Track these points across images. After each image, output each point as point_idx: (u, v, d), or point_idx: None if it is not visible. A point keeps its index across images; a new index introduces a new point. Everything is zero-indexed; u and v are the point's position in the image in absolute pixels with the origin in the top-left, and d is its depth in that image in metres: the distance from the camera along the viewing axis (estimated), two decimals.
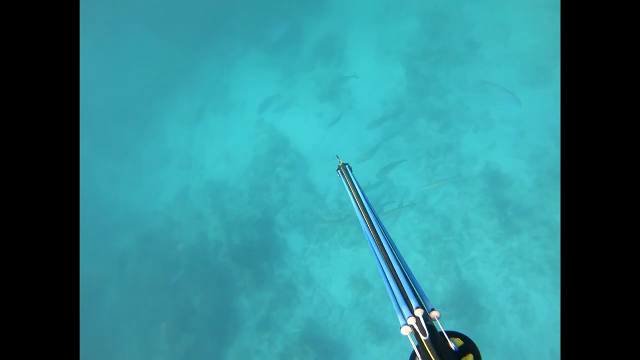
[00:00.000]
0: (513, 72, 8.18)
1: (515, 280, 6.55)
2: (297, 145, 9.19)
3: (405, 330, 0.94)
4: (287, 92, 10.26)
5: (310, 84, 10.19)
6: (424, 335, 0.91)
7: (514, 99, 6.96)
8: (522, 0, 8.84)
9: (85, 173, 10.79)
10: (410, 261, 7.10)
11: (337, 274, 7.44)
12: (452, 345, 0.91)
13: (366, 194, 1.50)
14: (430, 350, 0.89)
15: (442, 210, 7.52)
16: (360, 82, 9.72)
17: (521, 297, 6.43)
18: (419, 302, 1.00)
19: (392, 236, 1.28)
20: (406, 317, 0.96)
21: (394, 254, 1.18)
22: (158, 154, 10.72)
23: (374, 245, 1.25)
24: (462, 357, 0.91)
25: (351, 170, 1.73)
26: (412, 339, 0.95)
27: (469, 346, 0.94)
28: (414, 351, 0.93)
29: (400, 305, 1.01)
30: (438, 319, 0.97)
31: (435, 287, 6.88)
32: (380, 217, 1.37)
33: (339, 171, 1.75)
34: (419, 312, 0.95)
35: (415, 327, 0.93)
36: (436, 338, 0.92)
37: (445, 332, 0.93)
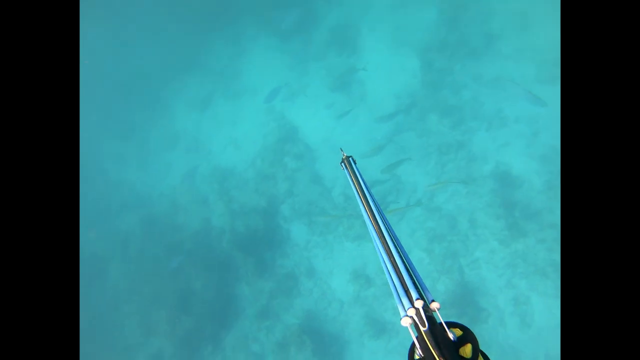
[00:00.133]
0: (531, 67, 7.88)
1: (517, 283, 6.49)
2: (306, 136, 9.08)
3: (406, 322, 0.96)
4: (298, 80, 10.08)
5: (322, 73, 9.99)
6: (423, 326, 0.93)
7: (537, 100, 6.72)
8: None
9: (92, 151, 10.88)
10: (414, 259, 7.03)
11: (339, 268, 7.43)
12: (450, 336, 0.91)
13: (372, 190, 1.49)
14: (428, 340, 0.91)
15: (449, 209, 7.42)
16: (373, 74, 9.48)
17: (522, 299, 6.39)
18: (419, 294, 1.01)
19: (397, 233, 1.28)
20: (406, 309, 0.97)
21: (395, 246, 1.19)
22: (166, 136, 10.69)
23: (375, 236, 1.26)
24: (460, 347, 0.92)
25: (355, 163, 1.73)
26: (412, 330, 0.96)
27: (467, 336, 0.94)
28: (413, 342, 0.94)
29: (401, 296, 1.02)
30: (438, 310, 0.98)
31: (437, 286, 6.85)
32: (386, 214, 1.37)
33: (342, 164, 1.75)
34: (419, 304, 0.96)
35: (415, 318, 0.95)
36: (435, 329, 0.93)
37: (445, 322, 0.94)
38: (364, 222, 1.44)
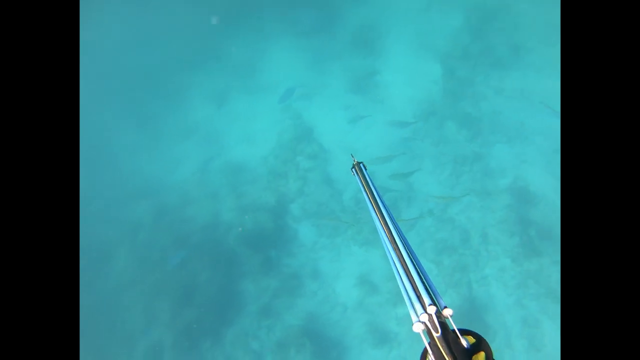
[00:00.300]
0: (557, 82, 7.66)
1: (527, 304, 6.31)
2: (320, 136, 8.99)
3: (418, 327, 0.95)
4: (316, 80, 10.00)
5: (341, 74, 9.89)
6: (436, 332, 0.92)
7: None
8: None
9: (106, 138, 10.99)
10: None
11: (345, 272, 7.34)
12: (464, 343, 0.91)
13: (383, 197, 1.50)
14: (442, 346, 0.90)
15: (461, 221, 7.26)
16: (392, 77, 9.35)
17: (531, 321, 6.20)
18: (432, 299, 1.01)
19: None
20: (419, 314, 0.97)
21: (407, 252, 1.19)
22: (180, 127, 10.72)
23: (387, 241, 1.26)
24: (474, 355, 0.90)
25: (365, 169, 1.74)
26: (424, 336, 0.95)
27: (481, 344, 0.93)
28: (425, 348, 0.93)
29: (413, 301, 1.02)
30: (451, 316, 0.97)
31: (444, 298, 6.69)
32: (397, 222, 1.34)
33: (353, 169, 1.77)
34: (431, 309, 0.97)
35: (428, 324, 0.95)
36: (448, 335, 0.93)
37: (458, 329, 0.93)
38: (373, 227, 1.43)
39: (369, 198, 1.48)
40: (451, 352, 0.88)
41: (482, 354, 0.90)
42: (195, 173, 9.47)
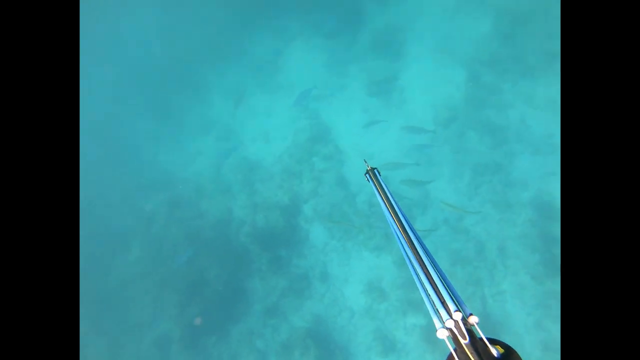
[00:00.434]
0: None
1: (548, 327, 5.94)
2: (337, 137, 8.88)
3: (442, 334, 0.93)
4: (336, 81, 9.89)
5: (362, 76, 9.74)
6: (464, 338, 0.90)
7: None
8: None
9: (128, 128, 11.26)
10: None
11: (354, 276, 7.19)
12: (494, 352, 0.87)
13: (398, 203, 1.47)
14: (471, 354, 0.87)
15: (477, 232, 6.97)
16: (414, 81, 9.13)
17: (553, 346, 5.81)
18: (457, 306, 0.98)
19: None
20: (444, 320, 0.95)
21: (428, 257, 1.16)
22: (199, 121, 10.84)
23: (406, 246, 1.24)
24: None
25: (379, 175, 1.72)
26: (449, 343, 0.94)
27: (511, 355, 0.89)
28: (450, 354, 0.91)
29: (438, 307, 0.99)
30: (477, 324, 0.94)
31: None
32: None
33: (367, 175, 1.74)
34: (457, 315, 0.94)
35: (454, 330, 0.92)
36: (476, 343, 0.90)
37: (486, 338, 0.90)
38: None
39: (384, 203, 1.47)
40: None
41: None
42: (210, 167, 9.54)
